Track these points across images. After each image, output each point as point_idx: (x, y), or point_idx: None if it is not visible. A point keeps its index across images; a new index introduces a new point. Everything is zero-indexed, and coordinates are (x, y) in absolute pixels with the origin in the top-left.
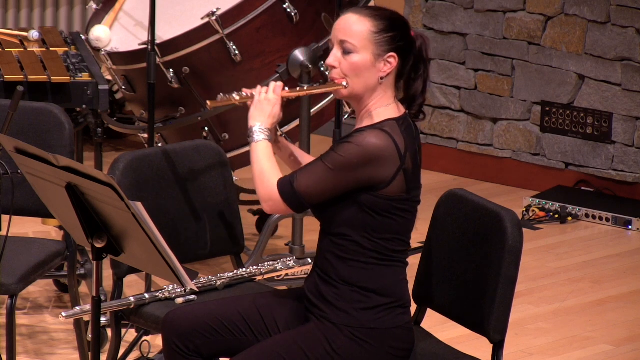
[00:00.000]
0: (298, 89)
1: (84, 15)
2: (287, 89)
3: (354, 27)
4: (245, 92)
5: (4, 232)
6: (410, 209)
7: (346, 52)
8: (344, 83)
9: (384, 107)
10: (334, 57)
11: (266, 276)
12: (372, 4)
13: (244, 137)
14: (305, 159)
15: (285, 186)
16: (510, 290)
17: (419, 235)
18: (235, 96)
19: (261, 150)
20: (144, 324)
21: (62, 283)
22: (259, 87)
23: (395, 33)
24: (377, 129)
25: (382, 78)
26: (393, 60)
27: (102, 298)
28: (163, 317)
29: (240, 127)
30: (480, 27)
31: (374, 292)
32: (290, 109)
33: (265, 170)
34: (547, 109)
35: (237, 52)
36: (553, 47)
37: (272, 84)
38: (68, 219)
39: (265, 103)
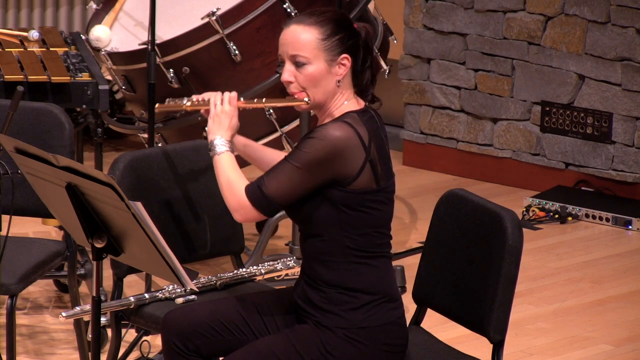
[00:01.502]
0: (256, 100)
1: (84, 15)
2: (242, 99)
3: (301, 38)
4: (196, 98)
5: (4, 232)
6: (384, 200)
7: (299, 65)
8: (306, 99)
9: (344, 105)
10: (288, 72)
11: (266, 276)
12: (371, 5)
13: (244, 137)
14: (276, 155)
15: (255, 192)
16: (510, 290)
17: (419, 235)
18: (186, 102)
19: (225, 161)
20: (144, 324)
21: (62, 283)
22: (212, 94)
23: (342, 34)
24: (338, 122)
25: (339, 81)
26: (347, 61)
27: (102, 298)
28: (162, 317)
29: (240, 127)
30: (480, 27)
31: (361, 291)
32: (290, 109)
33: (231, 179)
34: (547, 109)
35: (237, 52)
36: (553, 47)
37: (227, 95)
38: (68, 219)
39: (223, 116)
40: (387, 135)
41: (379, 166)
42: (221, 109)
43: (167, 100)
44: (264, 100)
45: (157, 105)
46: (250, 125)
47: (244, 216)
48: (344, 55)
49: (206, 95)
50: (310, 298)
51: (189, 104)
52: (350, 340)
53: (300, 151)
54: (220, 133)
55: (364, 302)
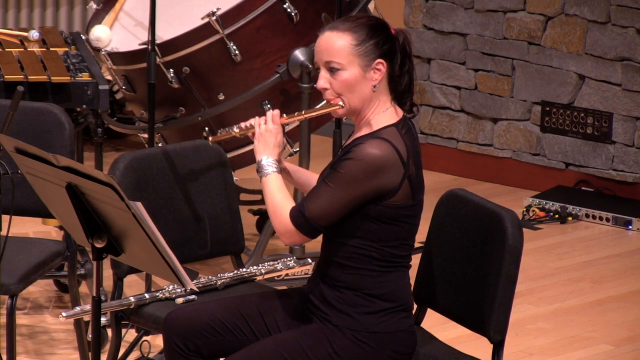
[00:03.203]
0: (296, 113)
1: (84, 15)
2: (284, 115)
3: (335, 45)
4: (244, 124)
5: (4, 232)
6: (416, 214)
7: (334, 71)
8: (341, 103)
9: (382, 114)
10: (324, 79)
11: (266, 276)
12: (371, 5)
13: (244, 137)
14: (314, 178)
15: (298, 217)
16: (511, 290)
17: (419, 235)
18: (236, 129)
19: (272, 183)
20: (144, 324)
21: (62, 283)
22: (257, 118)
23: (377, 39)
24: (376, 138)
25: (375, 86)
26: (382, 66)
27: (102, 298)
28: (164, 317)
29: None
30: (481, 27)
31: (378, 297)
32: (290, 108)
33: (277, 203)
34: (547, 109)
35: (237, 52)
36: (553, 47)
37: (269, 114)
38: (68, 219)
39: (267, 135)
40: (419, 145)
41: (416, 181)
42: (265, 128)
43: (219, 131)
44: (303, 112)
45: (210, 137)
46: None
47: (290, 239)
48: (379, 60)
49: (252, 120)
50: (325, 295)
51: (237, 130)
52: (359, 343)
53: (338, 172)
54: (267, 152)
55: (380, 308)
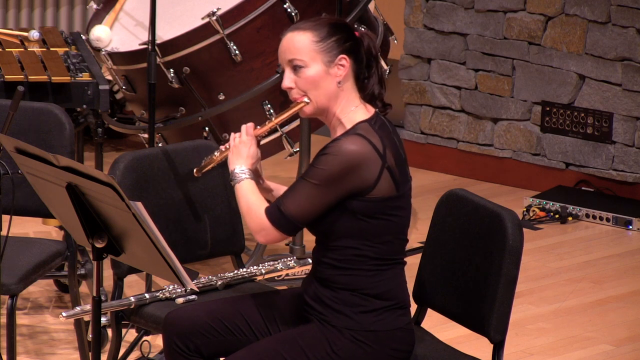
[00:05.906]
0: (267, 122)
1: (85, 15)
2: (258, 127)
3: (296, 43)
4: (223, 147)
5: (4, 232)
6: (403, 205)
7: (297, 69)
8: (305, 99)
9: (352, 112)
10: (288, 78)
11: (267, 276)
12: (371, 5)
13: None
14: None
15: (274, 213)
16: (511, 290)
17: (419, 235)
18: (216, 153)
19: (245, 187)
20: (144, 324)
21: (63, 283)
22: (232, 134)
23: (338, 36)
24: (351, 135)
25: (339, 82)
26: (345, 61)
27: (103, 298)
28: (164, 317)
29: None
30: (481, 27)
31: (374, 296)
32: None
33: (251, 204)
34: (548, 109)
35: (237, 52)
36: (553, 47)
37: (243, 127)
38: (68, 219)
39: (241, 146)
40: (400, 139)
41: (396, 171)
42: (239, 140)
43: (202, 161)
44: (273, 118)
45: (195, 170)
46: None
47: (266, 237)
48: (342, 56)
49: (231, 137)
50: (320, 297)
51: (217, 154)
52: (357, 342)
53: (315, 168)
54: (239, 162)
55: (376, 306)
